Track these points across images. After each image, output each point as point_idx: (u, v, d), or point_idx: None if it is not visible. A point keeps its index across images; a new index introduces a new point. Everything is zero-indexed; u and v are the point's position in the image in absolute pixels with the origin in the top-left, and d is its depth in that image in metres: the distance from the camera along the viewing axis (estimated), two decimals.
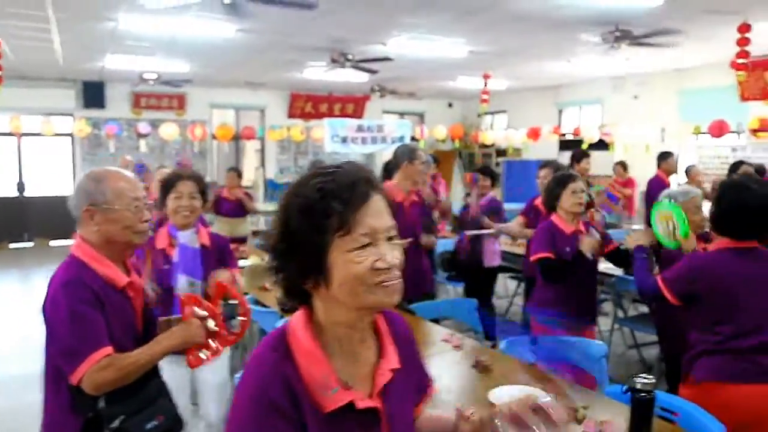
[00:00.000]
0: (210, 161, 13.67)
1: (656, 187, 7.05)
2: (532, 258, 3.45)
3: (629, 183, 9.18)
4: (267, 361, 1.10)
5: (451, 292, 6.42)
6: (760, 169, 6.93)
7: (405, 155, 4.04)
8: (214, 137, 12.76)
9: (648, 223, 3.30)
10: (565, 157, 12.55)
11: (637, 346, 5.13)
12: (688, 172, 7.84)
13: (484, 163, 14.36)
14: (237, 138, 13.30)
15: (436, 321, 3.75)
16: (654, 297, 2.61)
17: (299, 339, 1.12)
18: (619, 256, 3.55)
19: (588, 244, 3.30)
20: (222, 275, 2.70)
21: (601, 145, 11.05)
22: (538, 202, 4.98)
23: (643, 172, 9.28)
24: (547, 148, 12.65)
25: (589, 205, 3.63)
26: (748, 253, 2.41)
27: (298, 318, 1.15)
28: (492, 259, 5.36)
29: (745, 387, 2.31)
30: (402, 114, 14.86)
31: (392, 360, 1.22)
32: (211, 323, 2.12)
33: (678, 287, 2.49)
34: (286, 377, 1.07)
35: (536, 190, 5.05)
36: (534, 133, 11.86)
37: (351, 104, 14.37)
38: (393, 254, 1.11)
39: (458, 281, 5.90)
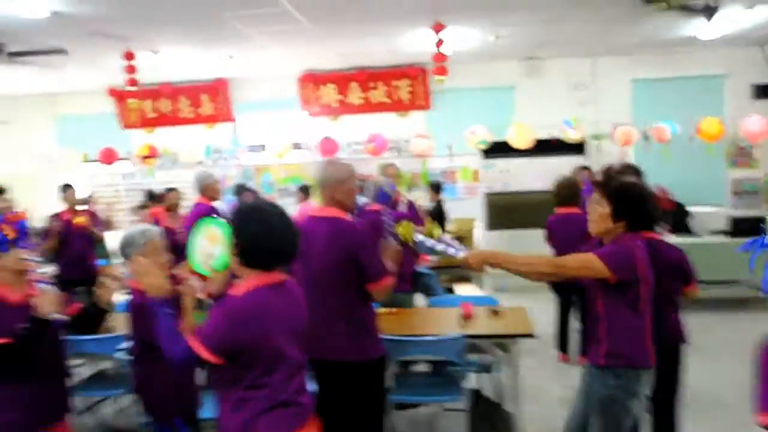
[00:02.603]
0: None
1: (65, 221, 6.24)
2: None
3: (19, 216, 7.93)
4: None
5: None
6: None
7: None
8: None
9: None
10: None
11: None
12: (65, 190, 6.84)
13: None
14: None
15: None
16: (191, 362, 2.05)
17: None
18: (86, 318, 2.79)
19: (45, 300, 2.43)
20: None
21: None
22: None
23: (33, 205, 8.20)
24: None
25: None
26: (281, 288, 2.13)
27: None
28: None
29: None
30: None
31: None
32: None
33: (218, 343, 2.00)
34: None
35: None
36: None
37: None
38: None
39: None
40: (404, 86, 8.80)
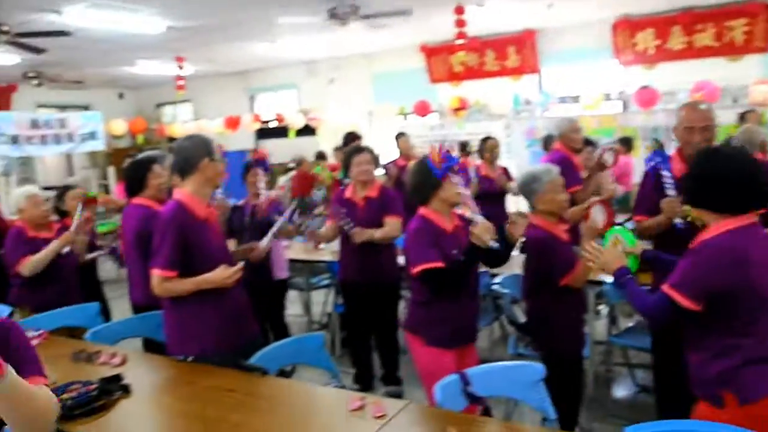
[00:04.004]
0: None
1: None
2: (417, 270, 2.70)
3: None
4: None
5: None
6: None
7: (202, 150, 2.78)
8: None
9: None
10: (267, 145, 11.98)
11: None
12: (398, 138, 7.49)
13: None
14: None
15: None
16: (667, 313, 2.07)
17: None
18: (491, 255, 2.96)
19: (483, 230, 2.66)
20: None
21: (306, 130, 10.74)
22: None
23: None
24: (244, 138, 11.87)
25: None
26: (754, 230, 2.02)
27: None
28: (281, 270, 4.44)
29: None
30: (63, 108, 12.28)
31: None
32: None
33: (697, 289, 1.97)
34: None
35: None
36: (233, 123, 10.95)
37: None
38: None
39: None
40: (739, 26, 7.81)
